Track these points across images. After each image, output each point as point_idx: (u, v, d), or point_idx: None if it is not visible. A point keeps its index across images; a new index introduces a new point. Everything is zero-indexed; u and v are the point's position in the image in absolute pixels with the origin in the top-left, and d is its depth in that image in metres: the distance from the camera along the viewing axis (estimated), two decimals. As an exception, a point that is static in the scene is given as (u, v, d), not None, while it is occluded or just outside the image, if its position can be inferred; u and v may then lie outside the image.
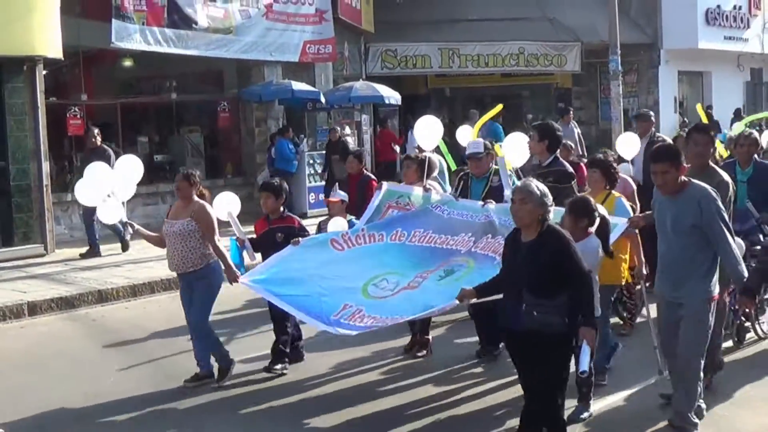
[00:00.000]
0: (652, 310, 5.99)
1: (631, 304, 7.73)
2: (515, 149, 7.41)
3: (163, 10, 13.78)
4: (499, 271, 4.99)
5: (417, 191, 7.16)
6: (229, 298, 8.13)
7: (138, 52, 14.14)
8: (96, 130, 12.10)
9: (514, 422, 4.97)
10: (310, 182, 15.97)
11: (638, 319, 7.71)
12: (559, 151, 7.18)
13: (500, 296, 4.85)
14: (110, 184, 6.78)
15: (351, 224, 7.13)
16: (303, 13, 16.63)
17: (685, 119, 22.70)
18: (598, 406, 5.83)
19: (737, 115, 21.98)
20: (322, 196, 14.81)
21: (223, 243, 6.69)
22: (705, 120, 10.40)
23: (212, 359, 6.75)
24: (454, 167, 9.92)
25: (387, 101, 17.64)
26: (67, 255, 11.84)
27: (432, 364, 7.01)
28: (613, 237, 5.71)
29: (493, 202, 6.69)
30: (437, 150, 9.58)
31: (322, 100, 16.34)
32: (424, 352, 7.24)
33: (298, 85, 15.90)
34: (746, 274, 5.21)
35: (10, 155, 11.58)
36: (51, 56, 11.75)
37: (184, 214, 6.56)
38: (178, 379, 6.66)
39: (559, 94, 23.80)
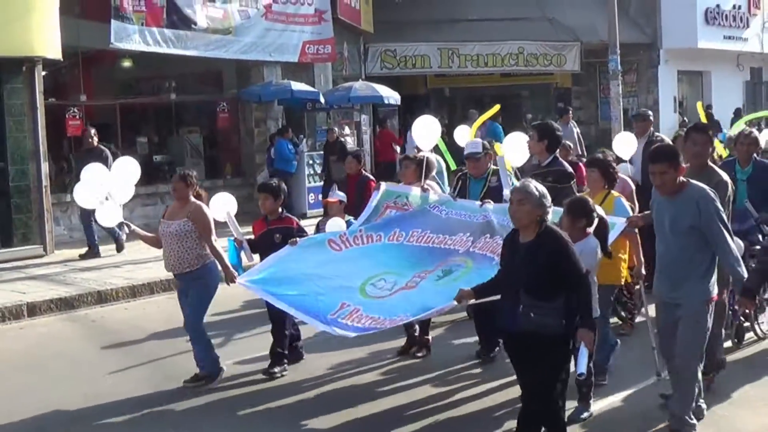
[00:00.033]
0: (651, 310, 5.98)
1: (631, 304, 7.72)
2: (515, 149, 7.39)
3: (162, 11, 13.76)
4: (497, 272, 4.99)
5: (415, 191, 7.15)
6: (227, 299, 8.13)
7: (137, 53, 14.13)
8: (93, 130, 12.09)
9: (514, 423, 4.95)
10: (309, 183, 15.96)
11: (638, 319, 7.69)
12: (558, 151, 7.16)
13: (498, 297, 4.85)
14: (108, 186, 6.77)
15: (349, 224, 7.13)
16: (302, 14, 16.61)
17: (685, 119, 22.67)
18: (598, 406, 5.82)
19: (737, 115, 21.96)
20: (321, 197, 14.79)
21: (221, 243, 6.68)
22: (704, 119, 10.37)
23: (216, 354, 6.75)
24: (454, 167, 9.91)
25: (386, 101, 17.63)
26: (67, 256, 11.83)
27: (431, 365, 7.00)
28: (611, 237, 5.70)
29: (492, 202, 6.67)
30: (437, 150, 9.58)
31: (322, 100, 16.33)
32: (424, 352, 7.23)
33: (298, 86, 15.88)
34: (746, 274, 5.20)
35: (9, 156, 11.57)
36: (50, 57, 11.74)
37: (181, 214, 6.56)
38: (178, 379, 6.65)
39: (559, 93, 23.79)
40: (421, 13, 21.25)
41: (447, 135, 12.89)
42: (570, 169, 7.04)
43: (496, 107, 11.57)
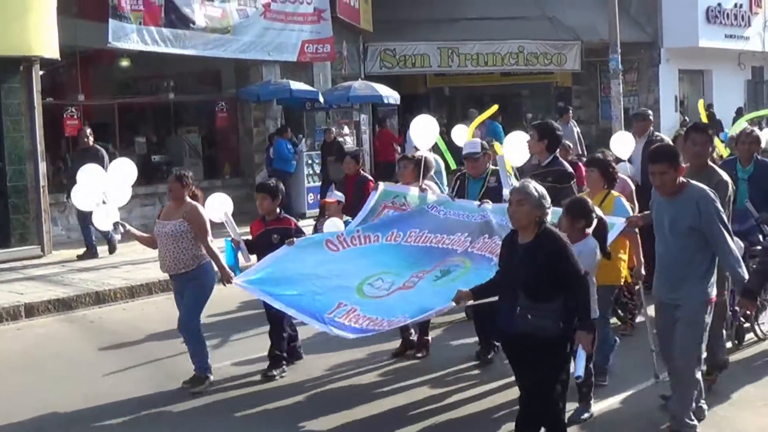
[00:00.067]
0: (650, 311, 5.95)
1: (632, 304, 7.68)
2: (516, 148, 7.35)
3: (160, 10, 13.73)
4: (495, 273, 4.96)
5: (413, 191, 7.12)
6: (224, 299, 8.11)
7: (135, 52, 14.10)
8: (88, 130, 12.08)
9: (513, 425, 4.92)
10: (308, 182, 15.92)
11: (639, 319, 7.66)
12: (558, 150, 7.12)
13: (497, 298, 4.82)
14: (104, 188, 6.73)
15: (347, 225, 7.09)
16: (301, 12, 16.57)
17: (686, 118, 22.64)
18: (598, 407, 5.80)
19: (739, 114, 21.90)
20: (319, 197, 14.76)
21: (217, 244, 6.65)
22: (705, 118, 10.33)
23: (210, 359, 6.72)
24: (454, 167, 9.87)
25: (386, 101, 17.59)
26: (64, 256, 11.81)
27: (430, 366, 6.98)
28: (611, 237, 5.68)
29: (490, 202, 6.65)
30: (437, 149, 9.54)
31: (321, 99, 16.28)
32: (424, 352, 7.20)
33: (297, 85, 15.84)
34: (746, 275, 5.16)
35: (6, 156, 11.56)
36: (48, 56, 11.72)
37: (176, 215, 6.54)
38: (177, 380, 6.63)
39: (559, 93, 23.76)
40: (421, 12, 21.22)
41: (447, 134, 12.85)
42: (570, 169, 7.01)
43: (494, 107, 11.57)
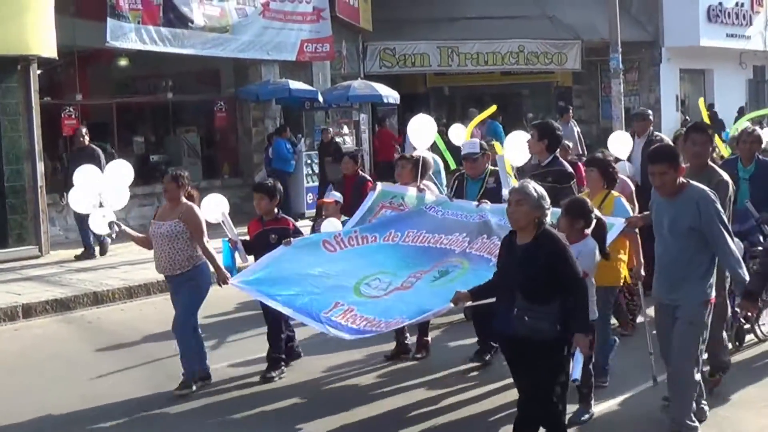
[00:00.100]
0: (649, 313, 5.91)
1: (632, 305, 7.64)
2: (517, 148, 7.31)
3: (158, 9, 13.68)
4: (494, 274, 4.94)
5: (411, 192, 7.09)
6: (220, 300, 8.09)
7: (133, 52, 14.07)
8: (84, 130, 12.05)
9: (512, 427, 4.88)
10: (307, 182, 15.86)
11: (639, 319, 7.62)
12: (558, 150, 7.08)
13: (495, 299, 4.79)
14: (100, 190, 6.68)
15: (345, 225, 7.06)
16: (300, 12, 16.53)
17: (687, 117, 22.61)
18: (599, 408, 5.78)
19: (741, 114, 21.86)
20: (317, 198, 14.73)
21: (213, 245, 6.62)
22: (706, 115, 10.28)
23: (208, 360, 6.72)
24: (453, 166, 9.83)
25: (385, 100, 17.56)
26: (62, 256, 11.78)
27: (429, 367, 6.94)
28: (610, 237, 5.65)
29: (488, 203, 6.62)
30: (436, 149, 9.49)
31: (320, 99, 16.24)
32: (423, 353, 7.17)
33: (296, 85, 15.81)
34: (747, 276, 5.13)
35: (4, 156, 11.52)
36: (45, 56, 11.69)
37: (172, 215, 6.51)
38: (175, 381, 6.58)
39: (560, 92, 23.73)
40: (421, 12, 21.18)
41: (446, 134, 12.80)
42: (570, 169, 6.98)
43: (493, 108, 11.54)
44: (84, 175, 6.84)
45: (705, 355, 5.49)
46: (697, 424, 5.19)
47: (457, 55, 21.29)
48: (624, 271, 6.28)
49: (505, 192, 6.48)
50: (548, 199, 4.68)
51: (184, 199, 6.55)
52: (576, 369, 4.59)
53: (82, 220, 11.31)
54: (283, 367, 6.81)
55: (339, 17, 17.71)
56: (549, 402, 4.60)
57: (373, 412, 6.02)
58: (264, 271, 6.36)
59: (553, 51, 21.91)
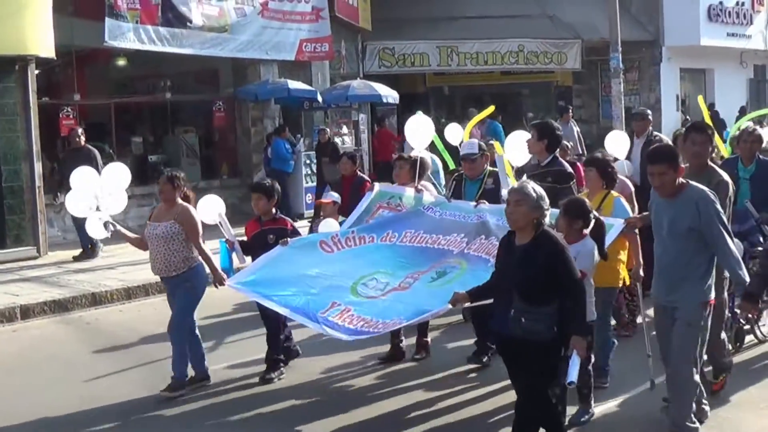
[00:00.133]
0: (648, 314, 5.89)
1: (633, 305, 7.62)
2: (517, 148, 7.28)
3: (157, 9, 13.67)
4: (492, 275, 4.91)
5: (409, 192, 7.07)
6: (217, 301, 8.07)
7: (132, 51, 14.05)
8: (80, 130, 12.03)
9: (511, 428, 4.86)
10: (307, 182, 15.84)
11: (639, 320, 7.59)
12: (557, 150, 7.05)
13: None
14: (97, 192, 6.64)
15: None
16: (299, 11, 16.51)
17: (688, 117, 22.58)
18: (599, 409, 5.76)
19: (742, 113, 21.83)
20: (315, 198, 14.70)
21: (209, 246, 6.59)
22: (706, 113, 10.24)
23: (206, 362, 6.69)
24: (452, 166, 9.80)
25: (385, 100, 17.53)
26: (60, 257, 11.76)
27: (428, 368, 6.92)
28: (609, 238, 5.62)
29: (486, 203, 6.60)
30: (435, 149, 9.46)
31: (319, 99, 16.22)
32: (423, 354, 7.14)
33: (295, 84, 15.78)
34: (747, 277, 5.10)
35: (1, 156, 11.51)
36: (43, 55, 11.68)
37: (168, 216, 6.48)
38: (174, 382, 6.55)
39: (560, 92, 23.71)
40: (420, 11, 21.16)
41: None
42: (570, 169, 6.95)
43: (491, 108, 11.52)
44: (80, 178, 6.80)
45: (704, 357, 5.45)
46: (697, 425, 5.16)
47: (456, 54, 21.26)
48: (623, 272, 6.25)
49: (504, 192, 6.46)
50: (547, 200, 4.65)
51: (179, 200, 6.52)
52: (572, 371, 4.56)
53: (80, 220, 11.30)
54: (282, 369, 6.79)
55: (338, 17, 17.68)
56: (547, 403, 4.58)
57: (373, 413, 6.00)
58: (261, 272, 6.34)
59: (553, 50, 21.88)
